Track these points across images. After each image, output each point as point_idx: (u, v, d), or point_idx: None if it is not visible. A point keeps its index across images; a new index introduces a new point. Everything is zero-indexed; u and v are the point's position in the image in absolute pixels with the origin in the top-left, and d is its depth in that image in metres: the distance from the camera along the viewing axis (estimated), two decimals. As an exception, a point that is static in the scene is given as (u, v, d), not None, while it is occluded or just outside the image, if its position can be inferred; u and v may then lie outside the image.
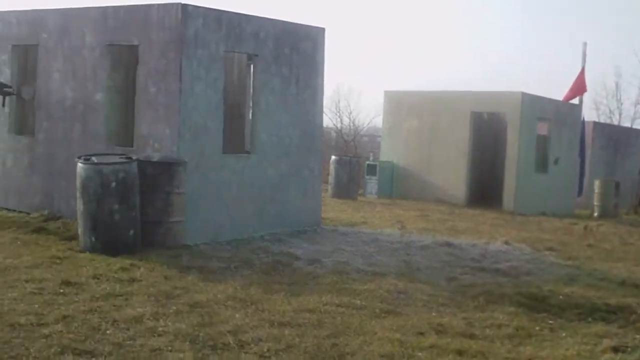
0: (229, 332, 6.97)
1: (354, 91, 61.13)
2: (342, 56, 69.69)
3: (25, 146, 13.44)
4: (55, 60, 12.88)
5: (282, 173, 12.93)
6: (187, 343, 6.62)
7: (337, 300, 8.35)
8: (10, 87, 13.25)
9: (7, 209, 13.37)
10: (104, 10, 12.26)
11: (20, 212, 13.04)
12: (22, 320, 6.94)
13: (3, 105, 13.19)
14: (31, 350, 6.21)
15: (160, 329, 6.96)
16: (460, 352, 6.88)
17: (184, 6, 11.25)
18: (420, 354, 6.79)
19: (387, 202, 20.87)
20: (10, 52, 13.68)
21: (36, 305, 7.47)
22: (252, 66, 13.07)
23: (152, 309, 7.56)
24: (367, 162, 23.47)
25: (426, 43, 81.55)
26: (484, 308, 8.57)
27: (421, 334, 7.37)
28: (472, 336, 7.44)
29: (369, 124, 38.53)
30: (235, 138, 13.20)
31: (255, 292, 8.51)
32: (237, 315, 7.56)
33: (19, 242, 10.66)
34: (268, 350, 6.60)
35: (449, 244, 12.88)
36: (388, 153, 23.36)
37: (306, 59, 13.33)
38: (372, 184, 22.85)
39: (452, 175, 21.73)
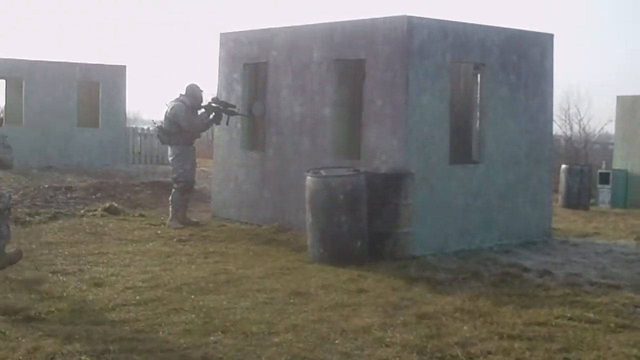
0: (456, 344, 6.88)
1: (585, 97, 59.32)
2: (573, 61, 67.88)
3: (256, 161, 13.90)
4: (284, 77, 13.25)
5: (510, 182, 12.69)
6: (415, 354, 6.60)
7: (569, 313, 8.05)
8: (234, 106, 13.72)
9: (239, 221, 13.88)
10: (330, 27, 12.51)
11: (252, 224, 13.50)
12: (254, 328, 7.17)
13: (227, 123, 13.69)
14: (262, 358, 6.40)
15: (387, 339, 6.98)
16: None
17: (410, 18, 11.27)
18: (659, 371, 6.48)
19: (621, 211, 20.05)
20: (242, 70, 14.21)
21: (267, 315, 7.70)
22: (478, 75, 12.94)
23: (380, 320, 7.60)
24: (600, 171, 22.66)
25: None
26: None
27: (660, 350, 7.00)
28: None
29: (600, 130, 37.25)
30: (462, 148, 13.08)
31: (483, 304, 8.35)
32: (465, 328, 7.45)
33: (250, 254, 11.04)
34: (497, 363, 6.49)
35: (688, 256, 12.20)
36: (621, 161, 22.47)
37: (534, 66, 13.04)
38: (604, 193, 22.03)
39: (693, 184, 20.68)
